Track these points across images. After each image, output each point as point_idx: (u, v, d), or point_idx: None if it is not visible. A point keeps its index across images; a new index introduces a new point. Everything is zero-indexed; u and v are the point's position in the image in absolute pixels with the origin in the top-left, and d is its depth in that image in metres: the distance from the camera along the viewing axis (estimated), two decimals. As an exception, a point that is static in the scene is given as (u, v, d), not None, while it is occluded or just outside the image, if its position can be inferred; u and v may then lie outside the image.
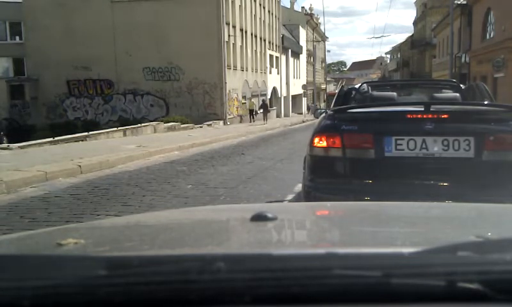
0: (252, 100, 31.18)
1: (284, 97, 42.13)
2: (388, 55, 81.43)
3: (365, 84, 5.15)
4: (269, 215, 1.04)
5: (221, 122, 24.86)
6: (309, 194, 3.33)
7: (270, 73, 37.85)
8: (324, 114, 3.51)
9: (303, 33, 50.21)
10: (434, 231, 1.09)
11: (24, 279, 0.65)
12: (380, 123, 3.19)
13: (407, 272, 0.64)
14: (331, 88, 57.45)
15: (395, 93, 4.63)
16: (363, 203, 2.54)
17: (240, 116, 29.90)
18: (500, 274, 0.63)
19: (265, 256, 0.74)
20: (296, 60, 47.74)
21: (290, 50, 43.98)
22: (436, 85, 6.01)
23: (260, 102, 32.60)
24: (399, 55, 66.89)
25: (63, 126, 23.69)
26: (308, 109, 44.99)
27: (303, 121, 31.95)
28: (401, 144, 3.04)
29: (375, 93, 4.56)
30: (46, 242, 1.05)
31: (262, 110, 30.60)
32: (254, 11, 33.72)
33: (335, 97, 4.86)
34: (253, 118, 29.41)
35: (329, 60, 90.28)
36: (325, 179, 3.30)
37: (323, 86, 58.49)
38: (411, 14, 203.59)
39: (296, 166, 7.00)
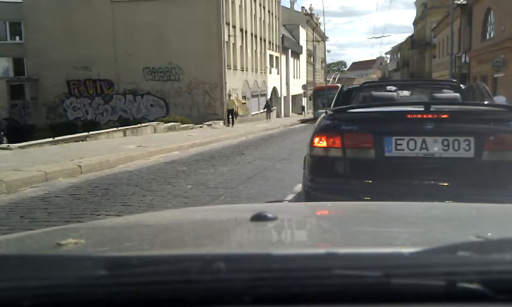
0: (232, 97, 26.28)
1: (284, 97, 42.12)
2: (388, 55, 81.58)
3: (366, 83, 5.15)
4: (269, 215, 1.04)
5: (221, 122, 24.85)
6: (309, 194, 3.33)
7: (270, 73, 37.84)
8: (324, 114, 3.50)
9: (303, 33, 50.19)
10: (434, 231, 1.09)
11: (24, 279, 0.65)
12: (380, 123, 3.18)
13: (407, 272, 0.64)
14: None
15: (395, 93, 4.63)
16: (363, 203, 2.54)
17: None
18: (500, 274, 0.63)
19: (265, 256, 0.74)
20: (295, 60, 47.74)
21: (290, 50, 43.97)
22: (436, 85, 6.00)
23: (264, 102, 33.18)
24: (399, 55, 66.97)
25: (63, 126, 23.73)
26: (303, 109, 44.85)
27: (303, 121, 32.17)
28: (401, 144, 3.03)
29: (375, 93, 4.55)
30: (46, 242, 1.05)
31: (265, 110, 31.13)
32: (254, 11, 33.71)
33: (335, 97, 4.85)
34: (233, 120, 24.48)
35: (329, 60, 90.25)
36: (325, 179, 3.30)
37: (323, 86, 58.46)
38: (411, 14, 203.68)
39: (296, 166, 7.00)
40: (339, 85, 37.00)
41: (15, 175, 6.76)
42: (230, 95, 26.52)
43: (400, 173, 3.11)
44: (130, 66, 26.15)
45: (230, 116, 24.61)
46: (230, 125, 23.83)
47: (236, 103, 27.35)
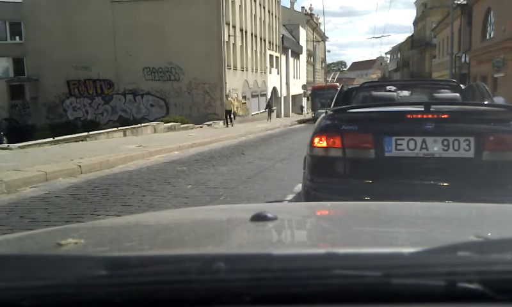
0: (229, 98, 25.45)
1: (284, 97, 42.13)
2: (388, 55, 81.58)
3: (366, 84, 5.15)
4: (269, 215, 1.04)
5: (221, 122, 24.86)
6: (309, 194, 3.33)
7: (270, 73, 37.84)
8: (324, 114, 3.51)
9: (303, 33, 50.19)
10: (434, 231, 1.09)
11: (24, 279, 0.65)
12: (380, 123, 3.19)
13: (407, 272, 0.64)
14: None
15: (395, 93, 4.62)
16: (363, 203, 2.54)
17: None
18: (500, 274, 0.63)
19: (265, 256, 0.74)
20: (296, 60, 47.74)
21: (290, 50, 43.97)
22: (436, 85, 6.00)
23: (264, 102, 33.44)
24: (399, 55, 66.98)
25: (63, 126, 23.75)
26: (301, 109, 44.81)
27: (300, 122, 31.87)
28: (401, 144, 3.04)
29: (375, 93, 4.55)
30: (46, 242, 1.05)
31: (266, 110, 31.41)
32: (254, 11, 33.72)
33: (335, 97, 4.85)
34: (231, 121, 23.62)
35: (329, 60, 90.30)
36: (325, 179, 3.30)
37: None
38: (411, 14, 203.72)
39: (296, 166, 7.00)
40: (338, 84, 35.15)
41: (15, 175, 6.76)
42: (227, 96, 25.66)
43: (401, 173, 3.11)
44: (130, 66, 26.15)
45: (228, 117, 23.73)
46: (229, 126, 23.05)
47: (236, 103, 27.23)
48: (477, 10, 25.41)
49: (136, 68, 26.29)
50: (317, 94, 35.16)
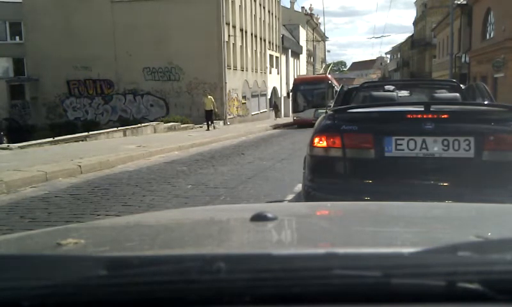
0: (209, 96, 20.58)
1: (284, 97, 42.15)
2: (388, 55, 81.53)
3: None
4: (269, 215, 1.04)
5: (221, 122, 24.86)
6: (309, 194, 3.33)
7: (270, 73, 37.84)
8: (324, 114, 3.51)
9: (303, 33, 50.19)
10: (434, 231, 1.09)
11: (24, 279, 0.65)
12: (380, 123, 3.19)
13: (407, 272, 0.64)
14: None
15: (395, 93, 4.62)
16: (363, 203, 2.54)
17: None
18: (500, 274, 0.63)
19: (266, 256, 0.74)
20: (295, 60, 47.72)
21: (290, 50, 43.97)
22: (436, 85, 6.00)
23: (265, 102, 34.03)
24: (399, 55, 66.96)
25: (63, 126, 23.74)
26: None
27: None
28: (401, 144, 3.04)
29: (375, 93, 4.55)
30: (46, 242, 1.05)
31: (273, 110, 32.03)
32: (254, 11, 33.71)
33: (335, 97, 4.85)
34: (212, 123, 20.14)
35: (329, 60, 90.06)
36: (325, 179, 3.30)
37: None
38: (412, 14, 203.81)
39: (296, 166, 7.00)
40: (329, 76, 31.72)
41: (15, 175, 6.77)
42: (208, 94, 21.36)
43: (400, 172, 3.11)
44: (130, 66, 26.14)
45: (209, 118, 20.17)
46: (211, 128, 19.86)
47: (236, 103, 27.05)
48: (477, 10, 25.40)
49: (136, 68, 26.28)
50: (300, 89, 26.38)
